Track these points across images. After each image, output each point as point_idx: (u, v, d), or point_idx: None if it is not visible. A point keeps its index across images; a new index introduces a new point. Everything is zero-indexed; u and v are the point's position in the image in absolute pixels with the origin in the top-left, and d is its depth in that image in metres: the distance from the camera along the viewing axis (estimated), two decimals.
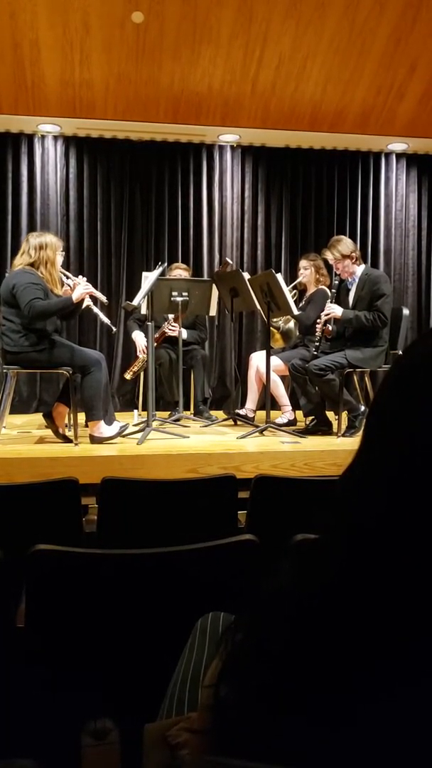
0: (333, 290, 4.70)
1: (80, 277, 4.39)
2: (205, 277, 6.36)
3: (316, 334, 4.62)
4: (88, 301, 4.34)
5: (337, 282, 4.70)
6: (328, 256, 4.70)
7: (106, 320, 4.45)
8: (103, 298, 4.44)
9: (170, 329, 5.28)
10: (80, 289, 4.19)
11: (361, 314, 4.48)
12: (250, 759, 0.57)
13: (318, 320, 4.65)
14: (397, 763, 0.53)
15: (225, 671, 0.66)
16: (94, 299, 4.42)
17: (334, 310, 4.54)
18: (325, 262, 5.20)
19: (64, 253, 4.45)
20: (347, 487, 0.63)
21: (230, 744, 0.62)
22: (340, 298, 4.74)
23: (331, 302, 4.61)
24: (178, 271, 5.60)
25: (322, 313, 4.61)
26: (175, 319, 5.06)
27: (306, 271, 5.41)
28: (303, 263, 5.47)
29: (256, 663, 0.63)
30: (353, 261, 4.64)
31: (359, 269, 4.67)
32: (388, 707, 0.54)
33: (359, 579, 0.57)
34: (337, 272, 4.70)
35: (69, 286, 4.36)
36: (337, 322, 4.61)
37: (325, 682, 0.57)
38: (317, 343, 4.61)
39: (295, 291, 5.48)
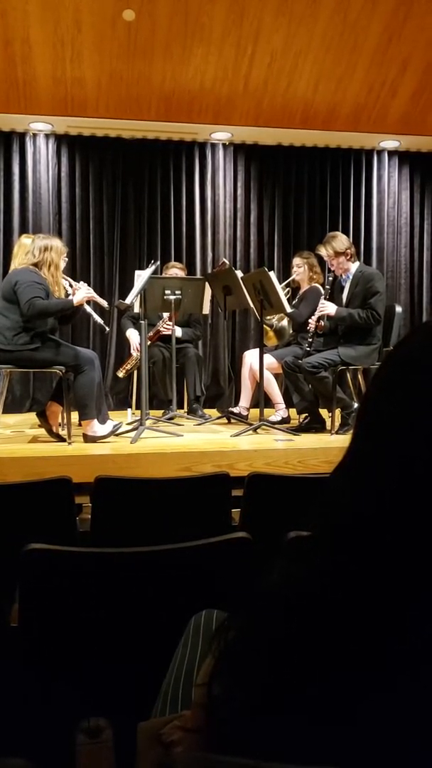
0: (327, 287, 4.68)
1: (81, 282, 4.40)
2: (198, 276, 6.36)
3: (309, 329, 4.62)
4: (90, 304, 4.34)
5: (330, 279, 4.69)
6: (323, 252, 4.69)
7: (99, 320, 4.44)
8: (104, 304, 4.43)
9: (165, 328, 5.27)
10: (82, 293, 4.20)
11: (354, 312, 4.48)
12: (243, 756, 0.57)
13: (311, 317, 4.65)
14: (390, 757, 0.54)
15: (218, 669, 0.66)
16: (94, 303, 4.41)
17: (328, 307, 4.53)
18: (319, 258, 5.19)
19: (67, 259, 4.45)
20: (338, 484, 0.63)
21: (223, 742, 0.62)
22: (333, 296, 4.73)
23: (325, 299, 4.61)
24: (174, 270, 5.60)
25: (316, 311, 4.61)
26: (170, 318, 5.06)
27: (299, 269, 5.41)
28: (296, 261, 5.47)
29: (249, 661, 0.63)
30: (348, 258, 4.63)
31: (353, 266, 4.67)
32: (382, 703, 0.54)
33: (350, 576, 0.57)
34: (332, 268, 4.70)
35: (69, 288, 4.36)
36: (330, 319, 4.61)
37: (317, 679, 0.57)
38: (310, 339, 4.60)
39: (288, 289, 5.48)
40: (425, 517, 0.54)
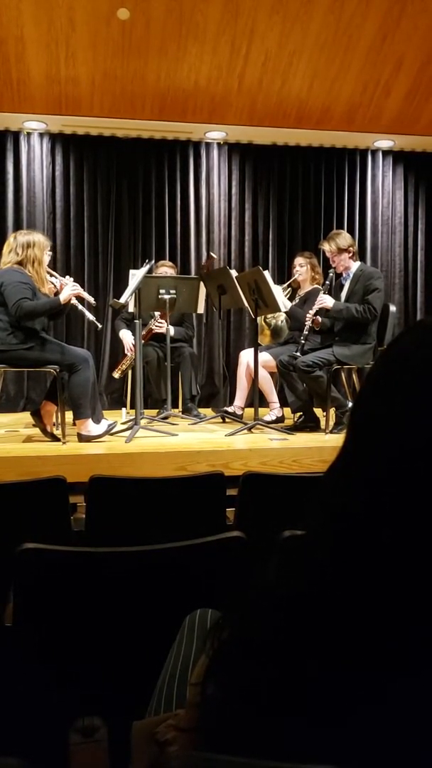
0: (326, 282, 4.72)
1: (67, 277, 4.38)
2: (193, 275, 6.36)
3: (306, 323, 4.65)
4: (73, 299, 4.32)
5: (331, 275, 4.72)
6: (326, 247, 4.73)
7: (91, 317, 4.43)
8: (91, 300, 4.42)
9: (157, 326, 5.27)
10: (68, 290, 4.18)
11: (351, 306, 4.52)
12: (237, 755, 0.57)
13: (309, 311, 4.68)
14: (386, 757, 0.54)
15: (211, 668, 0.66)
16: (81, 299, 4.40)
17: (326, 300, 4.57)
18: (321, 254, 5.20)
19: (51, 252, 4.44)
20: (331, 484, 0.63)
21: (217, 741, 0.62)
22: (333, 293, 4.76)
23: (324, 293, 4.64)
24: (163, 269, 5.59)
25: (314, 304, 4.64)
26: (162, 316, 5.06)
27: (302, 268, 5.41)
28: (299, 260, 5.46)
29: (242, 660, 0.63)
30: (350, 256, 4.68)
31: (354, 265, 4.71)
32: (378, 704, 0.55)
33: (344, 576, 0.57)
34: (333, 265, 4.73)
35: (54, 284, 4.35)
36: (327, 313, 4.65)
37: (310, 679, 0.57)
38: (306, 332, 4.63)
39: (289, 289, 5.49)
40: (421, 514, 0.54)
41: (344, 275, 4.75)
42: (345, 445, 0.64)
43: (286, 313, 5.17)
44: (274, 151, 6.82)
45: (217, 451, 3.80)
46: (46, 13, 5.01)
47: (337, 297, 4.74)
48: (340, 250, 4.65)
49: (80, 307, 4.38)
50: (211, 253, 5.87)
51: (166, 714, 0.97)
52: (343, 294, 4.71)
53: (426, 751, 0.52)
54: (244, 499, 2.41)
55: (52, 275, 4.40)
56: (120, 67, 5.54)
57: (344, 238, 4.67)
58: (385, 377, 0.61)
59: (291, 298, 5.41)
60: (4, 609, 1.64)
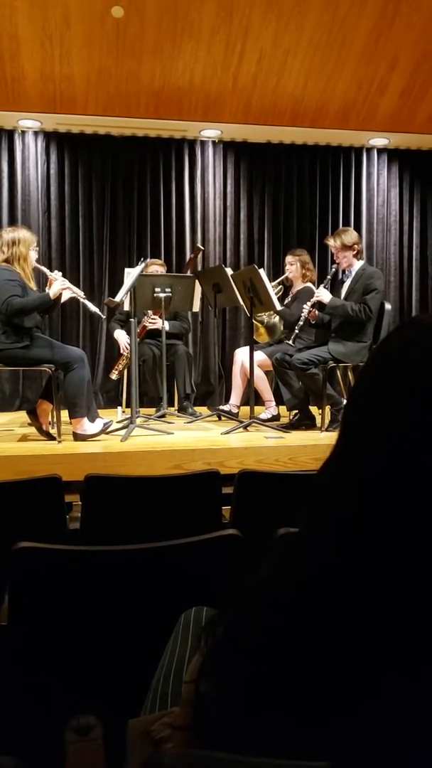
0: (328, 276, 4.75)
1: (56, 272, 4.36)
2: (188, 273, 6.36)
3: (302, 314, 4.67)
4: (71, 293, 4.31)
5: (333, 270, 4.76)
6: (331, 242, 4.75)
7: (93, 308, 4.41)
8: (81, 294, 4.41)
9: (150, 322, 5.27)
10: (57, 284, 4.17)
11: (347, 304, 4.53)
12: (232, 753, 0.57)
13: (305, 304, 4.70)
14: (380, 754, 0.54)
15: (206, 666, 0.66)
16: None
17: (323, 294, 4.58)
18: (320, 250, 5.20)
19: (38, 248, 4.42)
20: (326, 482, 0.63)
21: (212, 738, 0.62)
22: (333, 289, 4.78)
23: (325, 287, 4.65)
24: (154, 267, 5.58)
25: (312, 298, 4.67)
26: (155, 312, 5.05)
27: (292, 266, 5.42)
28: (289, 258, 5.48)
29: (236, 657, 0.63)
30: (354, 254, 4.70)
31: (357, 264, 4.73)
32: (372, 700, 0.55)
33: (338, 573, 0.57)
34: (336, 261, 4.75)
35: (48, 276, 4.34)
36: (322, 309, 4.66)
37: (304, 676, 0.57)
38: (300, 323, 4.65)
39: (280, 286, 5.49)
40: (417, 510, 0.54)
41: (346, 273, 4.77)
42: (339, 442, 0.64)
43: (277, 313, 5.17)
44: (268, 150, 6.82)
45: (212, 450, 3.80)
46: (40, 11, 5.00)
47: (337, 293, 4.75)
48: (345, 247, 4.67)
49: (82, 300, 4.37)
50: (198, 245, 5.84)
51: (162, 712, 0.97)
52: (343, 291, 4.73)
53: (424, 749, 0.53)
54: (240, 497, 2.41)
55: (40, 269, 4.39)
56: (114, 65, 5.53)
57: (350, 236, 4.70)
58: (377, 374, 0.61)
59: (283, 296, 5.42)
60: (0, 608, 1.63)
